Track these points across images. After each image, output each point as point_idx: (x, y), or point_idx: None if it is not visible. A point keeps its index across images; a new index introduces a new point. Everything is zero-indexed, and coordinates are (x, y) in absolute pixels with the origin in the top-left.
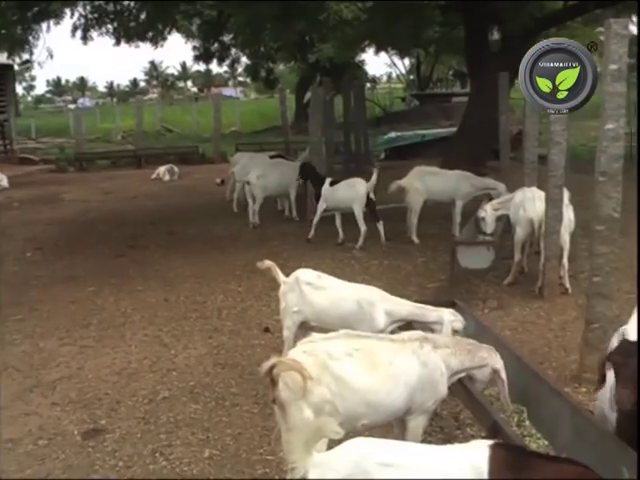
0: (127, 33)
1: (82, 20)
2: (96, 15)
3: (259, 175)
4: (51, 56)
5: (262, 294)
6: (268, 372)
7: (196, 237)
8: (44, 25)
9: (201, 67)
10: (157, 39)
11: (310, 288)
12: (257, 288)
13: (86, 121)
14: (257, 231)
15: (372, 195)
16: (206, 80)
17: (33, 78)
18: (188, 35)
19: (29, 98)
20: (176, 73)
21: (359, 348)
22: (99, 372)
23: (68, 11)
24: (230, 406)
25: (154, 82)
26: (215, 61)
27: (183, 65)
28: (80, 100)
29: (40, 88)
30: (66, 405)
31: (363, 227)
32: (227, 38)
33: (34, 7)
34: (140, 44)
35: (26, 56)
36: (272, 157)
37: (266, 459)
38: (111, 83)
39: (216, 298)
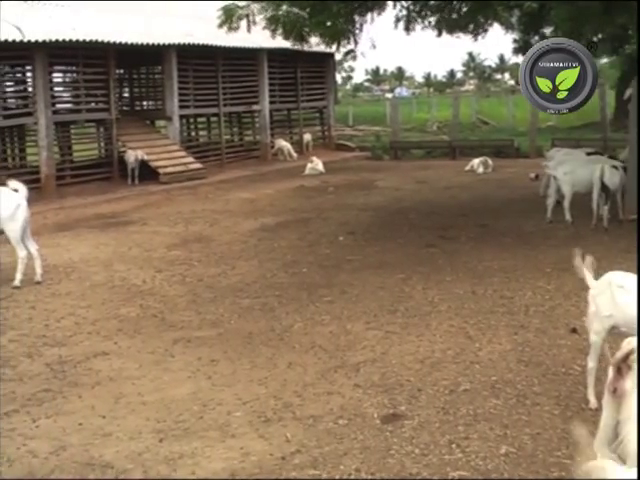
0: (448, 25)
1: (405, 12)
2: (418, 7)
3: (567, 171)
4: (374, 47)
5: (571, 293)
6: (623, 359)
7: (507, 231)
8: (368, 17)
9: (519, 60)
10: (478, 31)
11: (622, 292)
12: (566, 287)
13: (402, 110)
14: (569, 229)
15: None
16: None
17: (352, 68)
18: (507, 27)
19: (347, 86)
20: (493, 65)
21: None
22: (402, 358)
23: (391, 3)
24: (531, 405)
25: (471, 74)
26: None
27: (501, 57)
28: (397, 90)
29: (359, 77)
30: (368, 388)
31: None
32: (547, 30)
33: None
34: (461, 35)
35: (350, 47)
36: (589, 154)
37: (563, 462)
38: (428, 74)
39: (524, 294)
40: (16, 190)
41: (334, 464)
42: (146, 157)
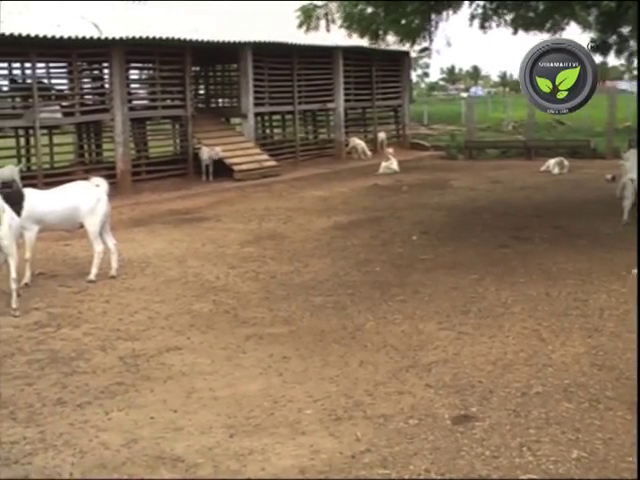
0: (525, 23)
1: (480, 10)
2: (494, 5)
3: None
4: (449, 44)
5: None
6: None
7: (582, 233)
8: (443, 15)
9: (597, 59)
10: (555, 30)
11: None
12: None
13: (478, 110)
14: None
15: None
16: (601, 73)
17: (427, 65)
18: (585, 26)
19: (422, 85)
20: None
21: None
22: (474, 359)
23: (467, 2)
24: (604, 409)
25: None
26: (612, 53)
27: None
28: (472, 89)
29: (434, 75)
30: (439, 388)
31: None
32: (626, 30)
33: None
34: (537, 34)
35: (424, 44)
36: None
37: (635, 468)
38: (504, 73)
39: (599, 297)
40: (97, 185)
41: (404, 464)
42: (222, 154)
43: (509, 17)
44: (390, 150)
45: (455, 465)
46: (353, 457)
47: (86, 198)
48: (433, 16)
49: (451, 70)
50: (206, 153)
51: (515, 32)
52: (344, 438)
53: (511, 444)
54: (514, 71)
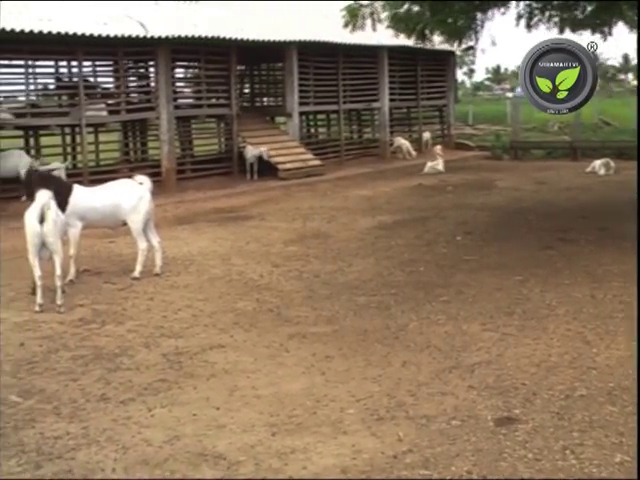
0: (572, 23)
1: (527, 9)
2: (540, 5)
3: None
4: (494, 44)
5: None
6: None
7: (628, 235)
8: (489, 14)
9: None
10: (602, 30)
11: None
12: None
13: (523, 110)
14: None
15: None
16: None
17: (472, 61)
18: (632, 26)
19: (468, 85)
20: (617, 65)
21: None
22: (518, 361)
23: (514, 2)
24: None
25: None
26: None
27: (625, 57)
28: (518, 89)
29: (479, 75)
30: (482, 390)
31: None
32: None
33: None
34: (584, 34)
35: (470, 43)
36: None
37: None
38: None
39: None
40: (141, 183)
41: (445, 465)
42: (266, 156)
43: (556, 17)
44: (439, 148)
45: (497, 467)
46: (395, 457)
47: (128, 196)
48: (479, 15)
49: (496, 70)
50: (250, 152)
51: (562, 32)
52: (386, 438)
53: (554, 447)
54: None
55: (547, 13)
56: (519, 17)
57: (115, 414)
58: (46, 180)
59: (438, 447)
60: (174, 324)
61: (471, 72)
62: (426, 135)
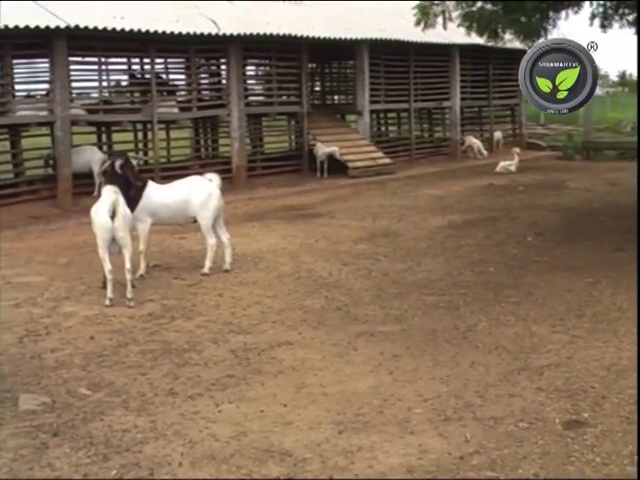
0: None
1: (601, 9)
2: (615, 4)
3: None
4: None
5: None
6: None
7: None
8: (562, 13)
9: None
10: None
11: None
12: None
13: (596, 110)
14: None
15: None
16: None
17: None
18: None
19: None
20: None
21: None
22: (588, 364)
23: (588, 1)
24: None
25: None
26: None
27: None
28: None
29: None
30: (551, 392)
31: None
32: None
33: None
34: None
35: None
36: None
37: None
38: (623, 73)
39: None
40: (210, 180)
41: (512, 467)
42: (337, 155)
43: (631, 17)
44: (517, 150)
45: (565, 471)
46: (461, 458)
47: (198, 192)
48: (552, 14)
49: None
50: (322, 150)
51: (638, 32)
52: (453, 439)
53: (622, 452)
54: (634, 71)
55: (620, 11)
56: (593, 16)
57: (183, 409)
58: (128, 174)
59: (505, 449)
60: (242, 320)
61: None
62: (497, 134)
